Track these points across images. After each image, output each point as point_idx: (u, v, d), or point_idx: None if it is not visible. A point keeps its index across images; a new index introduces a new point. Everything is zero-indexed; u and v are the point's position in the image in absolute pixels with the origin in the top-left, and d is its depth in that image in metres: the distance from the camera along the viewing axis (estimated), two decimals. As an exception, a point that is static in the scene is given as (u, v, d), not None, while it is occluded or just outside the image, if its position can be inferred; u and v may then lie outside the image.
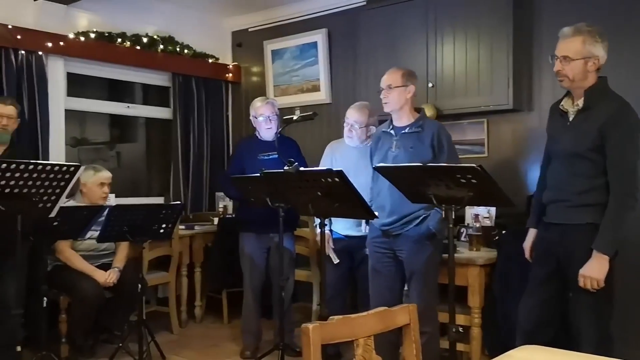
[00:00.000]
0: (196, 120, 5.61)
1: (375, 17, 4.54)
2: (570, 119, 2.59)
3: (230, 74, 5.89)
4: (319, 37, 5.21)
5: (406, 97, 3.10)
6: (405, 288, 3.21)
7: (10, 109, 3.59)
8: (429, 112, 4.09)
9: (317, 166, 3.63)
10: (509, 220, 3.62)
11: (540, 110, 3.93)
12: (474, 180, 2.29)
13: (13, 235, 2.65)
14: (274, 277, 3.91)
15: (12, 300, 2.73)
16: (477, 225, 3.55)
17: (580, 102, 2.56)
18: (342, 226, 3.63)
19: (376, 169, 2.71)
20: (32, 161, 2.62)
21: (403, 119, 3.13)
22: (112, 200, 4.37)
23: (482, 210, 3.65)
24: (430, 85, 4.15)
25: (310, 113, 3.29)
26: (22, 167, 2.54)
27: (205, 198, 5.66)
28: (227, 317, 4.81)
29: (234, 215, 5.03)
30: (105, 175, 3.98)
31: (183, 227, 4.74)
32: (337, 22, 5.17)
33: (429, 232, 3.00)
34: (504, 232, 3.53)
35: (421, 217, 3.01)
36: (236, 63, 5.94)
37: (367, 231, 3.37)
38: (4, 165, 2.47)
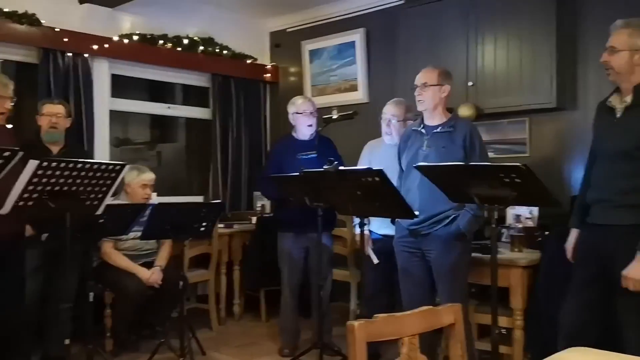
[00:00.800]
0: (235, 121, 5.67)
1: (414, 15, 4.51)
2: (618, 115, 2.53)
3: (268, 75, 5.93)
4: (357, 36, 5.21)
5: (440, 96, 3.09)
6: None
7: (58, 108, 3.69)
8: (468, 111, 4.05)
9: (354, 166, 3.62)
10: (552, 221, 3.55)
11: (585, 108, 3.85)
12: (518, 180, 2.26)
13: (63, 233, 2.72)
14: (312, 276, 3.92)
15: (62, 294, 2.81)
16: (519, 225, 3.49)
17: (628, 99, 2.49)
18: (379, 225, 3.62)
19: (417, 167, 2.69)
20: (80, 160, 2.69)
21: (435, 118, 3.11)
22: (154, 199, 4.46)
23: (524, 211, 3.59)
24: (470, 84, 4.11)
25: (351, 112, 3.30)
26: (71, 165, 2.61)
27: (243, 197, 5.72)
28: (265, 315, 4.85)
29: (272, 215, 5.07)
30: (149, 176, 4.05)
31: (222, 225, 4.80)
32: (375, 22, 5.16)
33: (458, 232, 2.98)
34: (547, 233, 3.47)
35: (451, 217, 2.99)
36: (274, 63, 5.98)
37: None
38: (53, 164, 2.54)
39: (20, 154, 2.25)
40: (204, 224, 3.77)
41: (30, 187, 2.51)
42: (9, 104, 2.99)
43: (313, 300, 3.96)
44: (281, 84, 5.97)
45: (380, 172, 2.62)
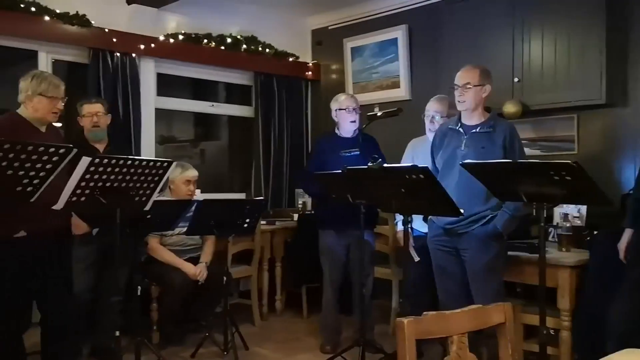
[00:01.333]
0: (277, 118, 5.72)
1: (457, 11, 4.46)
2: None
3: (310, 72, 5.96)
4: (399, 33, 5.18)
5: (482, 96, 3.06)
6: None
7: (97, 106, 3.75)
8: (514, 108, 3.99)
9: (396, 163, 3.60)
10: (601, 221, 3.47)
11: (636, 105, 3.75)
12: (568, 178, 2.22)
13: (113, 228, 2.80)
14: (354, 273, 3.92)
15: (113, 288, 2.89)
16: (567, 224, 3.42)
17: None
18: (421, 223, 3.59)
19: (463, 165, 2.66)
20: (130, 157, 2.76)
21: (474, 118, 3.08)
22: (198, 195, 4.54)
23: (572, 210, 3.51)
24: (516, 80, 4.04)
25: (395, 109, 3.29)
26: (120, 162, 2.68)
27: (285, 194, 5.76)
28: (307, 311, 4.88)
29: (313, 212, 5.10)
30: (192, 173, 4.12)
31: (264, 222, 4.85)
32: (417, 18, 5.12)
33: (495, 231, 2.94)
34: (595, 232, 3.38)
35: (488, 217, 2.96)
36: (316, 61, 6.00)
37: None
38: (105, 161, 2.61)
39: (75, 150, 2.32)
40: (247, 220, 3.83)
41: (83, 184, 2.59)
42: (61, 104, 3.09)
43: (355, 297, 3.96)
44: (323, 82, 5.99)
45: (425, 170, 2.60)
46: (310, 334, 4.40)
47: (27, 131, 2.94)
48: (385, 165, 2.83)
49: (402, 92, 5.21)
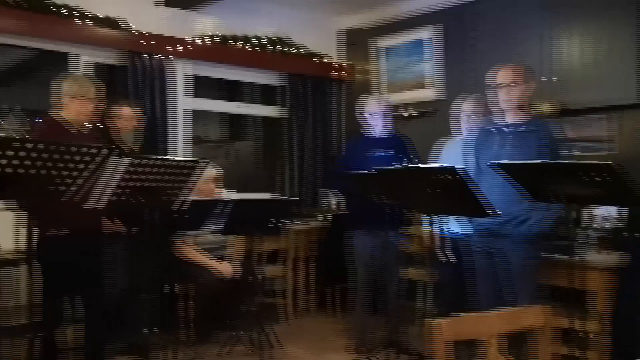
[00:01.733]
0: (308, 119, 5.73)
1: (489, 10, 4.43)
2: None
3: (342, 72, 5.95)
4: (431, 33, 5.14)
5: (527, 94, 3.00)
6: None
7: (135, 110, 3.83)
8: (546, 107, 3.92)
9: (429, 163, 3.58)
10: (641, 223, 3.38)
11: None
12: (609, 179, 2.17)
13: (146, 226, 2.85)
14: (384, 274, 3.91)
15: (145, 286, 2.95)
16: (607, 226, 3.34)
17: None
18: (455, 223, 3.56)
19: (497, 165, 2.63)
20: (167, 157, 2.81)
21: (518, 116, 3.03)
22: (231, 195, 4.58)
23: (611, 211, 3.43)
24: (544, 79, 3.97)
25: (429, 109, 3.26)
26: (158, 162, 2.73)
27: (317, 194, 5.77)
28: (338, 311, 4.88)
29: (346, 212, 5.09)
30: (213, 172, 4.16)
31: (297, 222, 4.86)
32: (449, 17, 5.07)
33: (536, 232, 2.90)
34: (636, 234, 3.30)
35: (529, 218, 2.91)
36: (347, 61, 6.00)
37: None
38: (143, 161, 2.67)
39: (116, 151, 2.37)
40: (279, 220, 3.85)
41: (122, 183, 2.64)
42: (93, 106, 3.15)
43: (385, 298, 3.95)
44: (354, 82, 5.98)
45: (456, 170, 2.58)
46: (341, 334, 4.40)
47: (61, 133, 3.00)
48: (411, 165, 2.81)
49: (434, 92, 5.16)
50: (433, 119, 3.87)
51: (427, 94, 5.22)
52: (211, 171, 4.15)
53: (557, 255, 3.13)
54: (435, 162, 3.59)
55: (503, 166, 2.62)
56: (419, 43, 5.27)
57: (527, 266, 2.94)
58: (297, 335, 4.38)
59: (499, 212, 2.76)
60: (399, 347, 3.44)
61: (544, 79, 3.97)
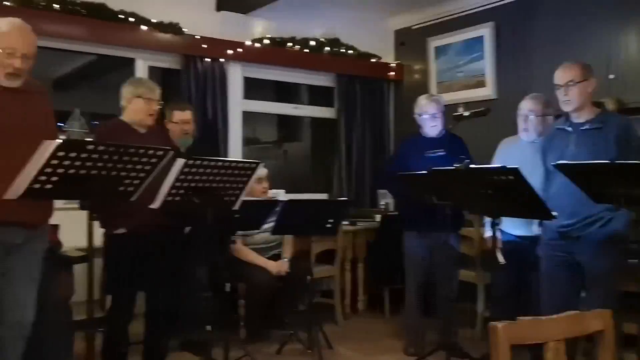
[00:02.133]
0: (359, 119, 5.74)
1: (548, 6, 4.31)
2: None
3: (393, 73, 5.94)
4: (485, 31, 5.07)
5: (588, 91, 2.92)
6: (582, 294, 3.01)
7: (189, 114, 3.91)
8: (611, 105, 3.80)
9: (483, 164, 3.52)
10: None
11: None
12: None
13: (203, 226, 2.92)
14: (438, 276, 3.87)
15: (202, 284, 3.01)
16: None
17: None
18: (512, 225, 3.49)
19: (557, 166, 2.57)
20: (221, 158, 2.87)
21: (583, 115, 2.94)
22: (282, 195, 4.64)
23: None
24: (611, 77, 3.84)
25: (483, 109, 3.22)
26: (212, 163, 2.79)
27: (367, 195, 5.77)
28: (389, 313, 4.86)
29: (395, 213, 5.07)
30: (262, 172, 4.18)
31: (346, 222, 4.87)
32: (504, 15, 4.98)
33: (614, 235, 2.79)
34: None
35: (605, 219, 2.80)
36: (398, 61, 5.98)
37: (538, 232, 3.21)
38: (197, 162, 2.73)
39: (172, 152, 2.44)
40: (330, 220, 3.87)
41: (178, 184, 2.72)
42: (157, 107, 3.26)
43: (438, 300, 3.91)
44: (405, 82, 5.95)
45: (515, 171, 2.53)
46: (392, 335, 4.38)
47: (127, 133, 3.12)
48: (472, 166, 2.77)
49: (488, 91, 5.09)
50: (485, 119, 3.80)
51: (479, 93, 5.15)
52: (263, 171, 4.21)
53: (629, 260, 3.01)
54: (498, 163, 3.52)
55: (561, 167, 2.56)
56: (470, 42, 5.21)
57: (597, 270, 2.85)
58: (346, 336, 4.38)
59: (555, 214, 2.70)
60: (451, 350, 3.40)
61: (611, 76, 3.84)
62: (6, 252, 2.42)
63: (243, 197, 3.08)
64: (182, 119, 3.86)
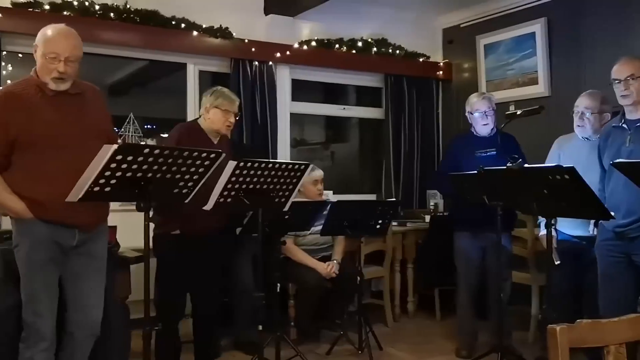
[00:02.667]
0: (407, 119, 5.70)
1: (603, 1, 4.17)
2: None
3: (441, 72, 5.88)
4: (537, 27, 4.95)
5: None
6: None
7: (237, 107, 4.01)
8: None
9: (536, 163, 3.44)
10: None
11: None
12: None
13: (255, 227, 2.96)
14: (490, 277, 3.81)
15: (254, 285, 3.06)
16: None
17: None
18: (568, 225, 3.40)
19: (615, 165, 2.49)
20: (271, 160, 2.91)
21: (637, 111, 2.84)
22: (330, 196, 4.65)
23: None
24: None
25: (536, 107, 3.14)
26: (263, 165, 2.83)
27: (415, 195, 5.73)
28: (440, 314, 4.81)
29: (445, 213, 5.02)
30: (318, 173, 4.22)
31: (395, 223, 4.84)
32: (557, 10, 4.86)
33: None
34: None
35: None
36: (447, 60, 5.91)
37: (594, 232, 3.12)
38: (248, 164, 2.78)
39: (223, 155, 2.49)
40: (379, 221, 3.87)
41: (229, 185, 2.77)
42: (234, 119, 3.34)
43: (491, 302, 3.84)
44: (454, 81, 5.88)
45: (571, 170, 2.46)
46: (444, 337, 4.33)
47: (201, 139, 3.23)
48: (526, 165, 2.72)
49: (540, 89, 4.97)
50: (538, 117, 3.70)
51: (530, 90, 5.04)
52: (319, 173, 4.24)
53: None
54: (554, 162, 3.44)
55: (618, 166, 2.48)
56: (521, 38, 5.10)
57: None
58: (397, 337, 4.36)
59: (613, 214, 2.62)
60: (504, 353, 3.34)
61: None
62: (63, 253, 2.51)
63: (293, 198, 3.11)
64: (234, 111, 3.94)
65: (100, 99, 2.71)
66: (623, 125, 2.88)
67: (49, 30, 2.47)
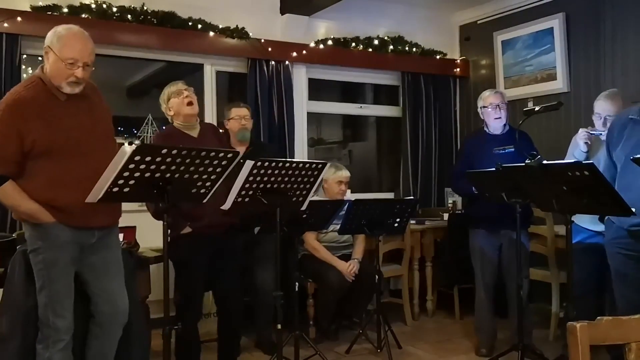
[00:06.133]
0: (424, 117, 5.68)
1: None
2: None
3: (458, 69, 5.84)
4: (555, 22, 4.89)
5: None
6: None
7: (245, 111, 4.00)
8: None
9: (554, 160, 3.40)
10: None
11: None
12: None
13: (273, 226, 2.97)
14: (507, 274, 3.78)
15: (274, 283, 3.05)
16: None
17: None
18: (590, 221, 3.34)
19: (635, 160, 2.45)
20: (288, 160, 2.91)
21: None
22: (348, 195, 4.64)
23: None
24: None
25: (555, 103, 3.10)
26: (280, 165, 2.84)
27: (433, 193, 5.70)
28: (459, 313, 4.78)
29: (463, 211, 4.98)
30: (345, 174, 4.22)
31: (413, 222, 4.82)
32: (575, 5, 4.80)
33: None
34: None
35: None
36: (464, 57, 5.87)
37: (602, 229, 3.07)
38: (266, 164, 2.78)
39: (240, 155, 2.50)
40: (397, 219, 3.86)
41: (247, 185, 2.78)
42: (189, 93, 3.27)
43: (510, 299, 3.81)
44: (472, 78, 5.84)
45: (590, 166, 2.43)
46: (463, 335, 4.31)
47: (180, 139, 3.16)
48: (545, 162, 2.69)
49: (559, 84, 4.91)
50: (556, 112, 3.65)
51: (549, 86, 4.99)
52: (345, 173, 4.22)
53: None
54: (573, 158, 3.39)
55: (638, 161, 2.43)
56: (539, 34, 5.04)
57: None
58: (418, 335, 4.35)
59: (634, 209, 2.57)
60: (525, 351, 3.31)
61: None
62: (80, 250, 2.53)
63: (310, 198, 3.11)
64: (239, 114, 3.95)
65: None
66: (637, 117, 2.82)
67: (62, 32, 2.42)
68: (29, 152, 2.38)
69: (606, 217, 2.97)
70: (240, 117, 3.93)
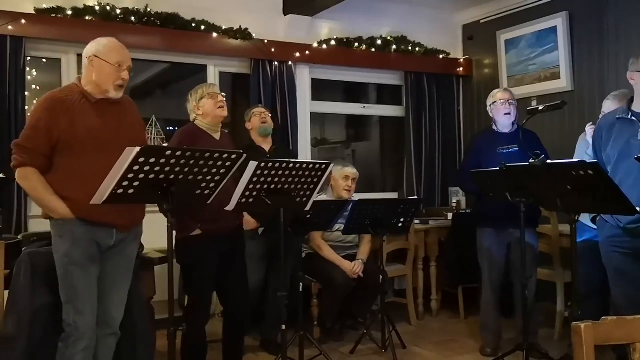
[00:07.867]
0: (428, 116, 5.67)
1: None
2: None
3: (461, 68, 5.84)
4: (558, 20, 4.88)
5: None
6: None
7: (263, 108, 4.15)
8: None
9: (559, 159, 3.39)
10: None
11: None
12: None
13: (277, 226, 2.97)
14: (514, 274, 3.77)
15: (279, 283, 3.06)
16: None
17: None
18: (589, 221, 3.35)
19: (638, 159, 2.45)
20: (292, 160, 2.92)
21: None
22: (353, 195, 4.63)
23: None
24: None
25: (559, 102, 3.10)
26: (284, 165, 2.84)
27: (437, 193, 5.69)
28: (464, 312, 4.78)
29: (467, 210, 4.98)
30: (351, 170, 4.21)
31: (417, 221, 4.82)
32: (578, 3, 4.79)
33: None
34: None
35: None
36: (467, 56, 5.87)
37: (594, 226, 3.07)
38: (269, 164, 2.79)
39: (244, 155, 2.50)
40: (401, 219, 3.86)
41: (251, 186, 2.78)
42: (222, 98, 3.31)
43: (516, 299, 3.81)
44: (475, 77, 5.84)
45: (594, 165, 2.43)
46: (468, 335, 4.31)
47: (204, 139, 3.22)
48: (548, 161, 2.68)
49: (562, 83, 4.91)
50: (560, 111, 3.64)
51: (552, 85, 4.98)
52: (351, 170, 4.21)
53: None
54: (579, 157, 3.38)
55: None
56: (542, 33, 5.04)
57: None
58: (422, 335, 4.35)
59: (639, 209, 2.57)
60: (530, 350, 3.30)
61: None
62: (98, 248, 2.55)
63: (314, 198, 3.11)
64: (259, 110, 4.09)
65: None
66: (632, 117, 2.82)
67: (105, 41, 2.62)
68: (54, 146, 2.49)
69: (598, 217, 2.97)
70: (260, 112, 4.06)
